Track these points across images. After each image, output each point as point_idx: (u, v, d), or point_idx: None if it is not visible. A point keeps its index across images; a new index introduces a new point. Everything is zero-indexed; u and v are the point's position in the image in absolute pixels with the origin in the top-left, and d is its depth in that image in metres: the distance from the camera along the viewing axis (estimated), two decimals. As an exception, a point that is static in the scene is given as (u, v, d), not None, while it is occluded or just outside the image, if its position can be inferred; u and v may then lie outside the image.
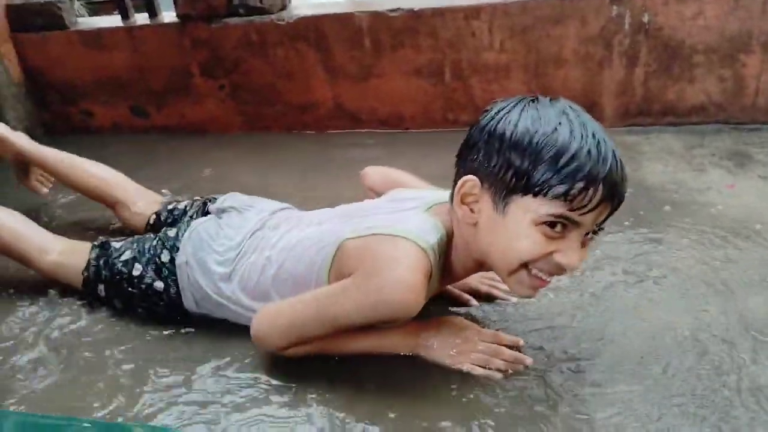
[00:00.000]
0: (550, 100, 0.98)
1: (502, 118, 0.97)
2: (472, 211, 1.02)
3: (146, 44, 2.43)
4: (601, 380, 1.06)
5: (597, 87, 2.10)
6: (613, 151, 0.93)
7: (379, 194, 1.33)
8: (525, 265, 0.98)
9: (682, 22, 1.96)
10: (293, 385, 1.11)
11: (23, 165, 1.77)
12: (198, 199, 1.53)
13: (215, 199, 1.46)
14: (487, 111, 1.01)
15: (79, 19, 2.61)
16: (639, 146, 1.99)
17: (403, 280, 0.98)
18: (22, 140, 1.71)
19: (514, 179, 0.94)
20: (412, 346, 1.14)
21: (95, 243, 1.40)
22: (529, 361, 1.11)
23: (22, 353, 1.25)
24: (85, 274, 1.37)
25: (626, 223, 1.54)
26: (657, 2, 1.95)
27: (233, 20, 2.30)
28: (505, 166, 0.95)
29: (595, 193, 0.91)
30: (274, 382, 1.12)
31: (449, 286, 1.29)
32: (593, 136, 0.92)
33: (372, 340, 1.14)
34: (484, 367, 1.10)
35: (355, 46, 2.23)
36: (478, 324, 1.19)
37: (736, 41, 1.96)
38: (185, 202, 1.54)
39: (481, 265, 1.10)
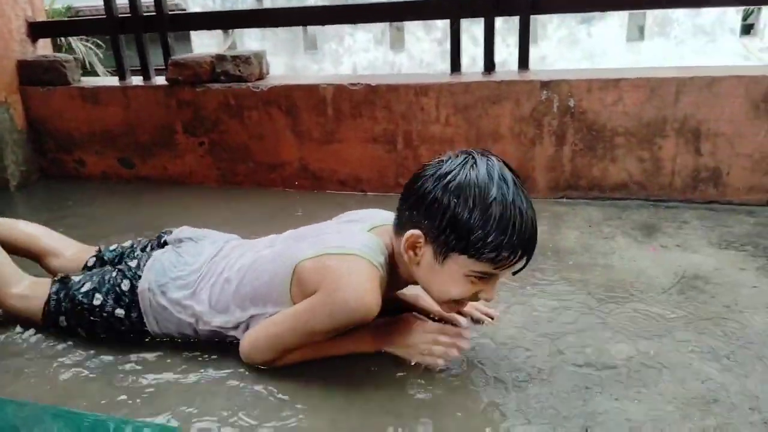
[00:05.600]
0: (487, 164, 1.18)
1: (447, 185, 1.17)
2: (415, 254, 1.24)
3: (137, 102, 2.72)
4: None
5: (530, 162, 2.32)
6: (533, 224, 1.18)
7: None
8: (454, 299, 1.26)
9: (604, 108, 2.20)
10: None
11: None
12: (141, 239, 1.64)
13: (170, 232, 1.59)
14: (430, 167, 1.22)
15: (82, 78, 2.91)
16: (564, 216, 2.19)
17: (362, 289, 1.21)
18: None
19: (453, 242, 1.17)
20: (375, 344, 1.36)
21: (55, 278, 1.50)
22: (466, 345, 1.32)
23: None
24: (46, 307, 1.46)
25: (532, 272, 1.73)
26: (581, 89, 2.20)
27: (215, 86, 2.59)
28: (447, 231, 1.17)
29: (515, 259, 1.18)
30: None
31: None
32: (520, 213, 1.15)
33: (343, 344, 1.34)
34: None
35: (320, 113, 2.50)
36: (426, 320, 1.41)
37: (652, 126, 2.19)
38: (129, 242, 1.63)
39: None
